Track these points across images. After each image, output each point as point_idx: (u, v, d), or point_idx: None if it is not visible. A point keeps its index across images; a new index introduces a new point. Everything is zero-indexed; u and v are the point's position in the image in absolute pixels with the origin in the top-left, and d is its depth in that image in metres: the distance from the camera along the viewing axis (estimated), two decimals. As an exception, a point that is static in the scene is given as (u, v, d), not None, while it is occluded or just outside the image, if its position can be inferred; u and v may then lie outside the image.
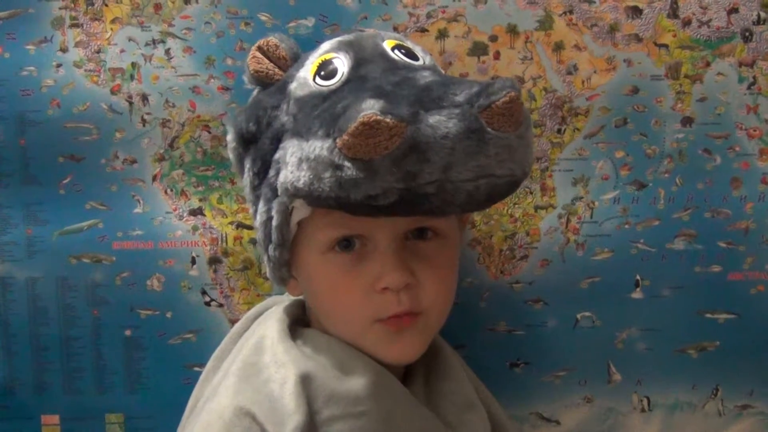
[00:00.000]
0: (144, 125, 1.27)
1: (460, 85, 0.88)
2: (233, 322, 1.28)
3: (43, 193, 1.28)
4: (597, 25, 1.24)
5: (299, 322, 1.09)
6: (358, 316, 0.99)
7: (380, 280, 0.96)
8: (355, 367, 0.99)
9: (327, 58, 1.01)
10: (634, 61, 1.24)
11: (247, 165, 1.04)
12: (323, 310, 1.05)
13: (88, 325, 1.31)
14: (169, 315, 1.30)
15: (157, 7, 1.25)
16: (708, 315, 1.29)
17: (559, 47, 1.24)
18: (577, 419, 1.32)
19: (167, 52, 1.26)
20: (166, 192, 1.29)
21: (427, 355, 1.05)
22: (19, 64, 1.26)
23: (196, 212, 1.29)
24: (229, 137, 1.08)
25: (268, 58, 1.08)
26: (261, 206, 1.01)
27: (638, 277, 1.28)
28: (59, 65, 1.26)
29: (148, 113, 1.27)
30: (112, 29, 1.26)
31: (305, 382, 0.97)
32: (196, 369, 1.27)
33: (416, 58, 1.03)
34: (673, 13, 1.23)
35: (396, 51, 1.02)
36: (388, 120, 0.82)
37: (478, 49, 1.24)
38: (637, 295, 1.28)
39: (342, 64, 1.00)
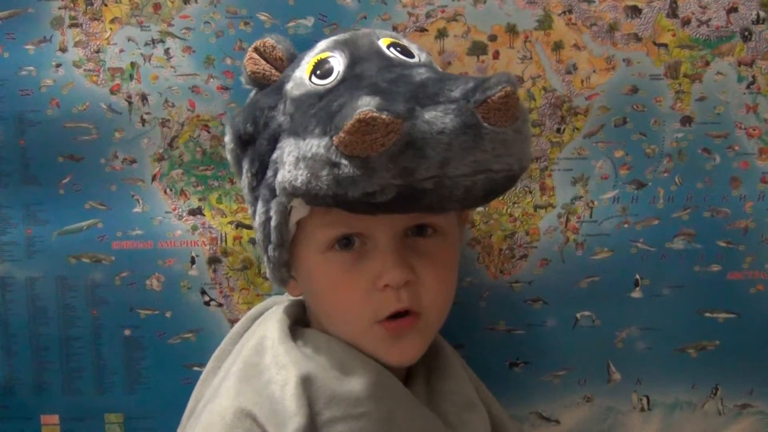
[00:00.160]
0: (143, 125, 1.27)
1: (456, 81, 0.88)
2: (233, 321, 1.28)
3: (43, 192, 1.28)
4: (596, 24, 1.24)
5: (299, 323, 1.09)
6: (359, 315, 0.99)
7: (381, 277, 0.96)
8: (355, 368, 0.99)
9: (323, 57, 1.01)
10: (634, 61, 1.24)
11: (245, 166, 1.04)
12: (323, 310, 1.05)
13: (87, 324, 1.31)
14: (168, 315, 1.30)
15: (157, 6, 1.25)
16: (707, 314, 1.29)
17: (558, 47, 1.24)
18: (577, 419, 1.32)
19: (166, 51, 1.26)
20: (165, 192, 1.29)
21: (427, 355, 1.06)
22: (18, 64, 1.26)
23: (195, 212, 1.29)
24: (227, 138, 1.08)
25: (264, 59, 1.08)
26: (260, 207, 1.01)
27: (638, 277, 1.28)
28: (59, 65, 1.26)
29: (147, 113, 1.27)
30: (111, 29, 1.26)
31: (306, 383, 0.97)
32: (196, 369, 1.27)
33: (412, 56, 1.03)
34: (673, 13, 1.23)
35: (391, 49, 1.02)
36: (384, 117, 0.82)
37: (477, 49, 1.24)
38: (636, 294, 1.28)
39: (338, 63, 0.99)
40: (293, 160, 0.90)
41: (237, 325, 1.19)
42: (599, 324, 1.29)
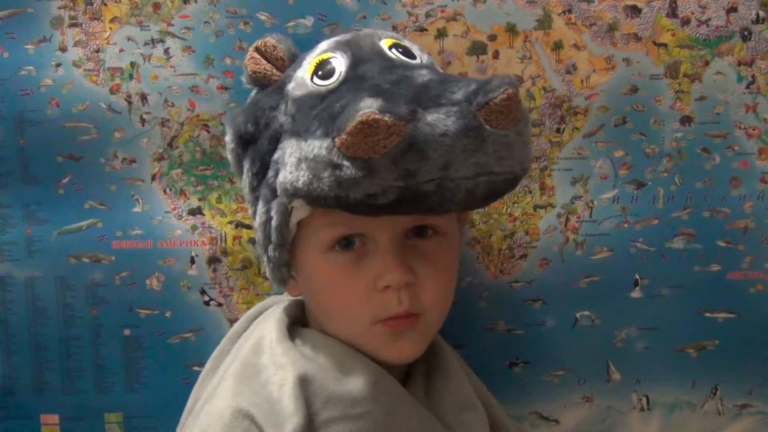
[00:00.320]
0: (143, 125, 1.27)
1: (458, 83, 0.88)
2: (232, 321, 1.28)
3: (43, 192, 1.28)
4: (596, 24, 1.24)
5: (298, 322, 1.09)
6: (359, 315, 0.99)
7: (381, 278, 0.96)
8: (353, 368, 0.99)
9: (324, 57, 1.01)
10: (633, 61, 1.24)
11: (246, 166, 1.04)
12: (323, 310, 1.05)
13: (87, 324, 1.31)
14: (168, 314, 1.30)
15: (156, 6, 1.25)
16: (707, 314, 1.29)
17: (558, 46, 1.24)
18: (577, 418, 1.32)
19: (166, 51, 1.26)
20: (165, 191, 1.29)
21: (426, 355, 1.06)
22: (18, 64, 1.26)
23: (195, 212, 1.29)
24: (228, 138, 1.07)
25: (265, 58, 1.08)
26: (260, 207, 1.01)
27: (637, 276, 1.28)
28: (58, 65, 1.26)
29: (147, 113, 1.27)
30: (111, 29, 1.26)
31: (304, 383, 0.97)
32: (196, 368, 1.27)
33: (413, 57, 1.03)
34: (672, 13, 1.23)
35: (393, 50, 1.02)
36: (386, 118, 0.82)
37: (477, 49, 1.24)
38: (636, 294, 1.28)
39: (340, 64, 0.99)
40: (295, 161, 0.90)
41: (236, 325, 1.19)
42: (599, 324, 1.29)
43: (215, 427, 0.97)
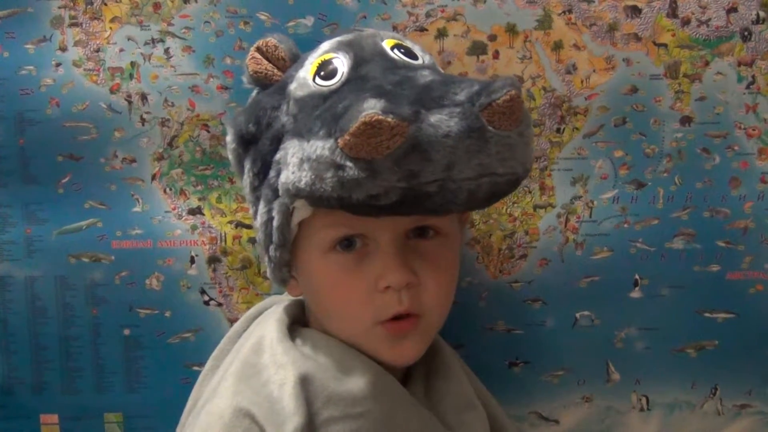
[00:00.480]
0: (143, 124, 1.27)
1: (461, 84, 0.88)
2: (232, 321, 1.28)
3: (42, 192, 1.28)
4: (596, 24, 1.24)
5: (298, 322, 1.09)
6: (360, 316, 0.99)
7: (382, 279, 0.96)
8: (354, 368, 0.99)
9: (326, 58, 1.01)
10: (633, 61, 1.24)
11: (247, 166, 1.04)
12: (324, 310, 1.05)
13: (87, 324, 1.31)
14: (168, 314, 1.30)
15: (157, 6, 1.25)
16: (707, 314, 1.29)
17: (558, 46, 1.24)
18: (576, 418, 1.32)
19: (166, 51, 1.26)
20: (165, 191, 1.29)
21: (426, 355, 1.05)
22: (18, 64, 1.26)
23: (195, 211, 1.29)
24: (229, 138, 1.07)
25: (267, 58, 1.07)
26: (261, 207, 1.01)
27: (637, 277, 1.28)
28: (58, 64, 1.26)
29: (147, 112, 1.27)
30: (111, 28, 1.26)
31: (304, 383, 0.97)
32: (195, 368, 1.27)
33: (415, 58, 1.03)
34: (672, 13, 1.23)
35: (395, 50, 1.02)
36: (389, 119, 0.82)
37: (477, 49, 1.24)
38: (636, 294, 1.28)
39: (342, 64, 0.99)
40: (297, 161, 0.90)
41: (236, 325, 1.19)
42: (598, 324, 1.29)
43: (216, 426, 0.97)
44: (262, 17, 1.24)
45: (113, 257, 1.30)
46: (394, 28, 1.24)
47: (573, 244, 1.28)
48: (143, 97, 1.27)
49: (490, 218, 1.28)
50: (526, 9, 1.24)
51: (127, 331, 1.31)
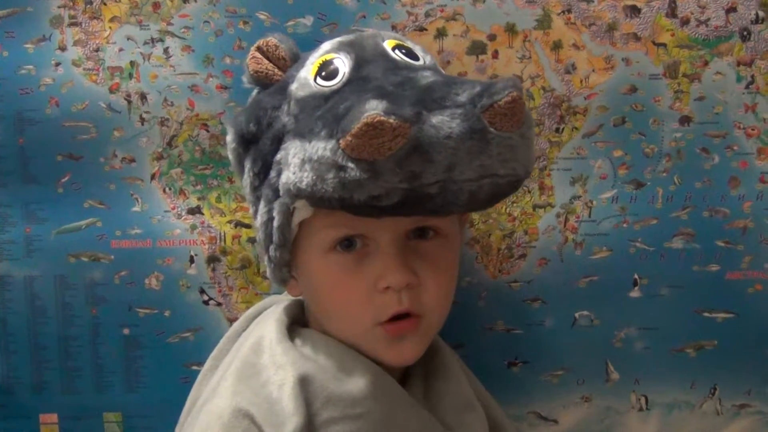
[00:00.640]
0: (142, 124, 1.27)
1: (462, 85, 0.88)
2: (231, 320, 1.28)
3: (42, 191, 1.28)
4: (595, 24, 1.24)
5: (298, 322, 1.09)
6: (359, 316, 0.99)
7: (382, 279, 0.96)
8: (353, 369, 0.99)
9: (328, 58, 1.01)
10: (633, 60, 1.24)
11: (247, 165, 1.04)
12: (323, 310, 1.05)
13: (86, 323, 1.31)
14: (167, 314, 1.30)
15: (156, 5, 1.25)
16: (706, 314, 1.29)
17: (557, 46, 1.24)
18: (576, 418, 1.32)
19: (166, 50, 1.26)
20: (164, 191, 1.29)
21: (425, 355, 1.05)
22: (17, 63, 1.26)
23: (194, 211, 1.29)
24: (229, 138, 1.07)
25: (267, 58, 1.07)
26: (262, 207, 1.01)
27: (636, 276, 1.28)
28: (58, 64, 1.26)
29: (146, 112, 1.27)
30: (110, 28, 1.26)
31: (304, 383, 0.97)
32: (195, 368, 1.28)
33: (417, 58, 1.03)
34: (672, 12, 1.23)
35: (396, 51, 1.02)
36: (391, 121, 0.82)
37: (476, 48, 1.25)
38: (635, 294, 1.29)
39: (343, 65, 0.99)
40: (298, 162, 0.90)
41: (235, 324, 1.19)
42: (598, 323, 1.29)
43: (215, 426, 0.97)
44: (262, 17, 1.24)
45: (113, 257, 1.30)
46: (394, 28, 1.24)
47: (572, 243, 1.28)
48: (143, 97, 1.27)
49: (489, 218, 1.28)
50: (525, 9, 1.24)
51: (126, 331, 1.31)
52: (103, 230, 1.29)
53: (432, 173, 0.84)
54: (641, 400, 1.31)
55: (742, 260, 1.28)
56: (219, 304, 1.30)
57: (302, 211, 0.97)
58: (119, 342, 1.31)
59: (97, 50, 1.26)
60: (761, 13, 1.23)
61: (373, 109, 0.83)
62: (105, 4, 1.25)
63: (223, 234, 1.29)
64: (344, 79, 0.98)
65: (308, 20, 1.24)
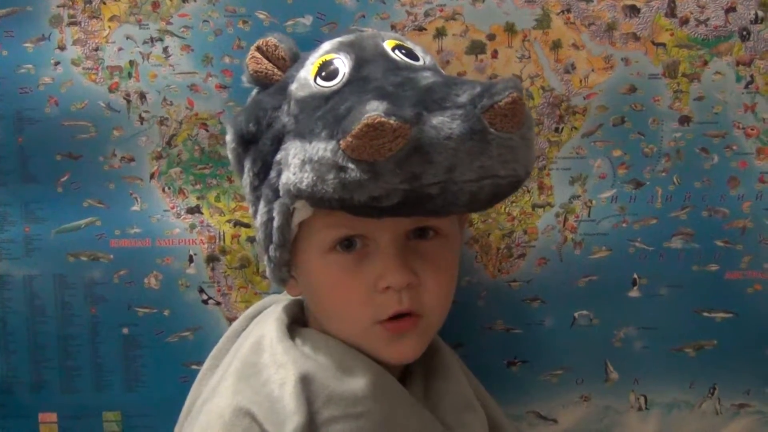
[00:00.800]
0: (142, 123, 1.27)
1: (463, 86, 0.88)
2: (231, 320, 1.28)
3: (41, 191, 1.28)
4: (595, 23, 1.24)
5: (298, 322, 1.09)
6: (359, 316, 0.99)
7: (382, 279, 0.96)
8: (354, 368, 0.99)
9: (328, 58, 1.01)
10: (632, 60, 1.24)
11: (247, 165, 1.04)
12: (323, 310, 1.05)
13: (85, 323, 1.31)
14: (166, 313, 1.30)
15: (155, 5, 1.25)
16: (705, 314, 1.29)
17: (556, 46, 1.24)
18: (575, 418, 1.32)
19: (165, 50, 1.26)
20: (163, 190, 1.29)
21: (425, 355, 1.06)
22: (17, 62, 1.26)
23: (193, 210, 1.29)
24: (229, 137, 1.07)
25: (267, 58, 1.07)
26: (261, 207, 1.01)
27: (636, 276, 1.28)
28: (57, 63, 1.26)
29: (145, 111, 1.27)
30: (110, 27, 1.26)
31: (305, 382, 0.97)
32: (194, 367, 1.28)
33: (417, 59, 1.03)
34: (671, 12, 1.23)
35: (396, 51, 1.02)
36: (392, 122, 0.82)
37: (475, 48, 1.25)
38: (634, 293, 1.29)
39: (343, 65, 0.99)
40: (299, 162, 0.90)
41: (235, 324, 1.19)
42: (597, 323, 1.29)
43: (215, 425, 0.97)
44: (261, 16, 1.24)
45: (112, 256, 1.30)
46: (393, 28, 1.24)
47: (571, 243, 1.28)
48: (142, 96, 1.27)
49: (488, 217, 1.28)
50: (524, 8, 1.24)
51: (125, 330, 1.31)
52: (103, 229, 1.29)
53: (432, 174, 0.84)
54: (640, 400, 1.31)
55: (741, 260, 1.28)
56: (218, 304, 1.30)
57: (302, 211, 0.97)
58: (118, 341, 1.31)
59: (96, 49, 1.26)
60: (760, 13, 1.23)
61: (374, 110, 0.82)
62: (104, 3, 1.25)
63: (222, 233, 1.29)
64: (344, 80, 0.98)
65: (307, 20, 1.24)
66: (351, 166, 0.84)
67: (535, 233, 1.28)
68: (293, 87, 1.01)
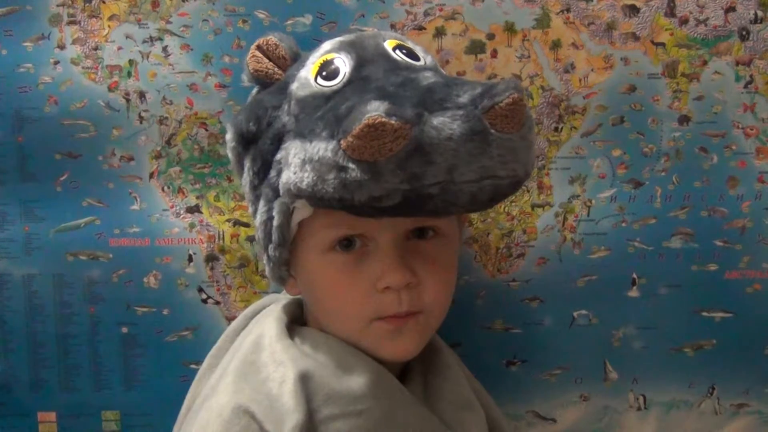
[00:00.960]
0: (141, 122, 1.27)
1: (463, 86, 0.88)
2: (230, 319, 1.28)
3: (41, 190, 1.28)
4: (594, 23, 1.24)
5: (297, 321, 1.09)
6: (358, 314, 0.99)
7: (382, 279, 0.96)
8: (353, 366, 0.99)
9: (328, 58, 1.01)
10: (631, 60, 1.24)
11: (247, 164, 1.04)
12: (322, 309, 1.05)
13: (84, 322, 1.31)
14: (165, 312, 1.30)
15: (155, 4, 1.25)
16: (704, 313, 1.29)
17: (556, 45, 1.24)
18: (574, 417, 1.32)
19: (165, 49, 1.26)
20: (163, 189, 1.29)
21: (424, 353, 1.06)
22: (16, 61, 1.26)
23: (193, 209, 1.29)
24: (228, 136, 1.06)
25: (267, 57, 1.07)
26: (261, 206, 1.01)
27: (635, 276, 1.28)
28: (57, 62, 1.26)
29: (145, 110, 1.27)
30: (109, 26, 1.26)
31: (304, 380, 0.97)
32: (193, 366, 1.28)
33: (417, 59, 1.03)
34: (671, 12, 1.23)
35: (397, 51, 1.02)
36: (393, 122, 0.82)
37: (475, 47, 1.25)
38: (633, 293, 1.29)
39: (344, 65, 0.99)
40: (299, 162, 0.90)
41: (234, 323, 1.19)
42: (596, 323, 1.29)
43: (215, 423, 0.97)
44: (261, 15, 1.24)
45: (111, 255, 1.30)
46: (393, 27, 1.24)
47: (571, 243, 1.28)
48: (141, 95, 1.27)
49: (488, 217, 1.28)
50: (524, 8, 1.24)
51: (124, 329, 1.31)
52: (102, 229, 1.29)
53: (433, 174, 0.84)
54: (639, 400, 1.31)
55: (740, 260, 1.28)
56: (217, 303, 1.30)
57: (302, 210, 0.97)
58: (117, 340, 1.31)
59: (95, 49, 1.26)
60: (760, 13, 1.23)
61: (375, 110, 0.82)
62: (104, 2, 1.25)
63: (221, 232, 1.29)
64: (345, 80, 0.97)
65: (307, 19, 1.24)
66: (351, 166, 0.84)
67: (535, 233, 1.28)
68: (294, 86, 1.01)
